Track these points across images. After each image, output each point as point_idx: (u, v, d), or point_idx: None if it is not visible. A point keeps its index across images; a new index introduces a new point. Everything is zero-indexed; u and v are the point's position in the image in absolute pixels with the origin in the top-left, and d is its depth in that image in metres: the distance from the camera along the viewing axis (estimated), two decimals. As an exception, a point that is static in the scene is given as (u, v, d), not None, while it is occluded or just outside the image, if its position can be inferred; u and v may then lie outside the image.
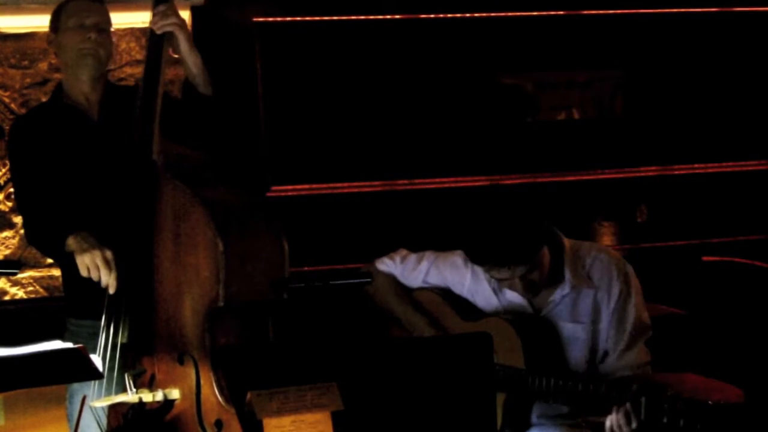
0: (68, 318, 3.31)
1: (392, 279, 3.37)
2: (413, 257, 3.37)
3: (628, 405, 2.77)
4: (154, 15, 3.15)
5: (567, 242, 3.13)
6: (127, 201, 3.04)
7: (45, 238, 3.22)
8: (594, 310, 3.06)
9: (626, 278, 3.08)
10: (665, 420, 2.69)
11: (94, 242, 3.04)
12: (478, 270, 3.20)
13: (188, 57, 3.20)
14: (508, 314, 3.11)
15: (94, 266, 2.99)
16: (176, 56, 3.27)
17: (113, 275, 2.99)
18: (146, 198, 3.00)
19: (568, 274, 3.06)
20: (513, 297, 3.13)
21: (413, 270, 3.35)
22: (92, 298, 3.08)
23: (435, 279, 3.32)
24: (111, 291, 2.99)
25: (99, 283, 3.01)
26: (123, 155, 3.13)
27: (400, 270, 3.37)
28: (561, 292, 3.07)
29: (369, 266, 3.43)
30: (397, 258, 3.39)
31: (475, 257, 3.05)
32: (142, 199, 3.01)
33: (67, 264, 3.15)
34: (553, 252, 3.08)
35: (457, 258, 3.28)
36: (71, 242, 3.06)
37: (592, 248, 3.14)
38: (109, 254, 3.01)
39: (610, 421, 2.81)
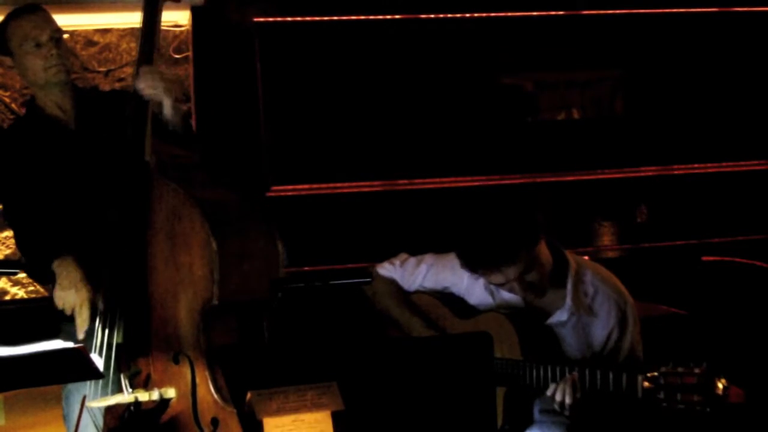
0: (62, 321, 3.31)
1: (391, 283, 3.38)
2: (412, 260, 3.39)
3: (575, 373, 2.81)
4: (139, 75, 3.06)
5: (572, 260, 3.12)
6: (119, 203, 3.04)
7: (34, 264, 3.22)
8: (589, 338, 3.07)
9: (623, 317, 3.08)
10: (662, 395, 2.69)
11: (76, 278, 3.05)
12: None
13: (172, 118, 3.11)
14: (505, 309, 3.12)
15: (69, 307, 3.03)
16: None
17: (86, 318, 3.00)
18: (139, 199, 3.00)
19: (569, 301, 3.06)
20: (509, 297, 3.13)
21: (412, 273, 3.36)
22: None
23: (434, 281, 3.33)
24: (79, 336, 2.99)
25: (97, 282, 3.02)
26: (110, 158, 3.12)
27: (400, 273, 3.38)
28: (559, 317, 3.07)
29: (370, 269, 3.45)
30: (397, 262, 3.41)
31: (464, 266, 3.05)
32: (134, 200, 3.01)
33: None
34: (556, 258, 3.07)
35: (455, 259, 3.28)
36: (56, 269, 3.08)
37: (595, 277, 3.11)
38: (85, 298, 3.02)
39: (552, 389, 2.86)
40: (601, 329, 3.07)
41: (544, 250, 3.02)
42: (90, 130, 3.28)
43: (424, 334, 3.21)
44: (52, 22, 3.26)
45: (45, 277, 3.19)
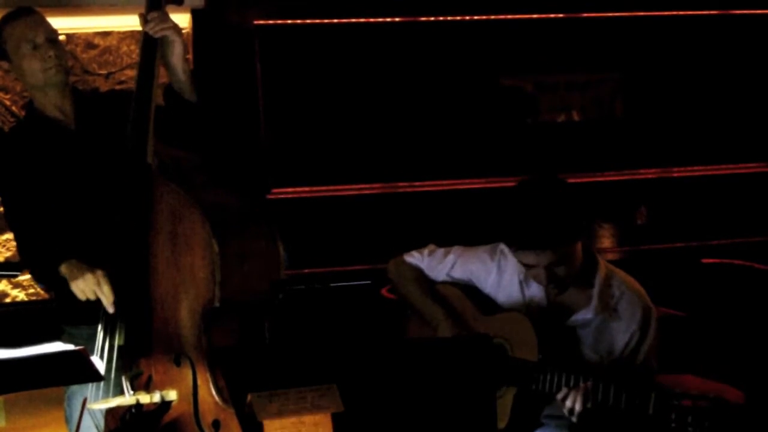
0: (63, 325, 3.31)
1: (417, 271, 3.38)
2: (440, 251, 3.38)
3: (589, 383, 2.81)
4: (148, 20, 3.15)
5: (602, 264, 3.13)
6: (121, 204, 3.04)
7: (38, 267, 3.22)
8: (610, 341, 3.08)
9: (645, 322, 3.08)
10: (673, 416, 2.69)
11: (85, 266, 3.04)
12: (504, 265, 3.22)
13: (180, 64, 3.18)
14: (528, 308, 3.13)
15: (90, 291, 3.01)
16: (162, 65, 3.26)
17: (109, 293, 3.00)
18: (141, 201, 3.00)
19: (595, 300, 3.07)
20: (536, 294, 3.14)
21: (439, 263, 3.36)
22: (85, 306, 3.08)
23: (460, 272, 3.33)
24: (110, 310, 2.99)
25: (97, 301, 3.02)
26: (112, 159, 3.13)
27: (427, 263, 3.38)
28: (584, 315, 3.08)
29: (395, 260, 3.45)
30: (425, 252, 3.41)
31: (507, 237, 3.07)
32: (136, 202, 3.01)
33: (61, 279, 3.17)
34: (587, 260, 3.09)
35: (484, 252, 3.30)
36: (64, 270, 3.07)
37: (623, 283, 3.13)
38: (100, 275, 3.01)
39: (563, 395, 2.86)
40: (623, 332, 3.07)
41: (578, 250, 3.04)
42: (90, 131, 3.28)
43: (445, 324, 3.21)
44: (47, 23, 3.27)
45: (49, 280, 3.19)
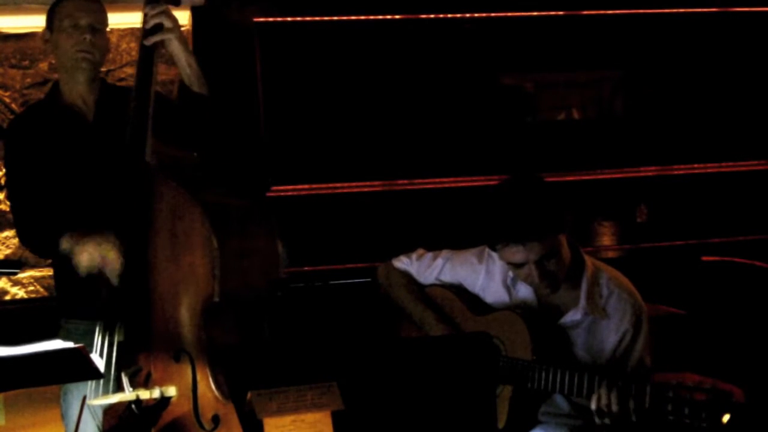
0: (61, 318, 3.31)
1: (406, 276, 3.39)
2: (429, 255, 3.40)
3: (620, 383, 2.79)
4: (148, 16, 3.15)
5: (589, 262, 3.13)
6: (122, 202, 3.05)
7: (38, 237, 3.21)
8: (601, 341, 3.08)
9: (638, 320, 3.08)
10: (669, 408, 2.69)
11: (90, 234, 3.02)
12: (492, 267, 3.23)
13: (182, 58, 3.19)
14: (519, 309, 3.12)
15: (96, 252, 2.98)
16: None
17: (114, 258, 2.98)
18: (141, 198, 3.01)
19: (583, 300, 3.06)
20: (525, 296, 3.14)
21: (428, 267, 3.37)
22: (85, 298, 3.08)
23: (449, 276, 3.33)
24: (114, 282, 2.98)
25: (98, 280, 3.01)
26: (118, 156, 3.13)
27: (416, 267, 3.39)
28: (573, 317, 3.07)
29: (384, 265, 3.45)
30: (414, 256, 3.42)
31: (489, 233, 3.05)
32: (136, 199, 3.02)
33: (60, 264, 3.15)
34: (574, 257, 3.09)
35: (472, 256, 3.30)
36: (65, 243, 3.07)
37: (611, 281, 3.12)
38: (113, 238, 3.00)
39: (597, 400, 2.82)
40: (614, 332, 3.07)
41: (565, 244, 3.03)
42: (107, 125, 3.28)
43: (437, 327, 3.21)
44: (100, 13, 3.30)
45: (50, 250, 3.17)
